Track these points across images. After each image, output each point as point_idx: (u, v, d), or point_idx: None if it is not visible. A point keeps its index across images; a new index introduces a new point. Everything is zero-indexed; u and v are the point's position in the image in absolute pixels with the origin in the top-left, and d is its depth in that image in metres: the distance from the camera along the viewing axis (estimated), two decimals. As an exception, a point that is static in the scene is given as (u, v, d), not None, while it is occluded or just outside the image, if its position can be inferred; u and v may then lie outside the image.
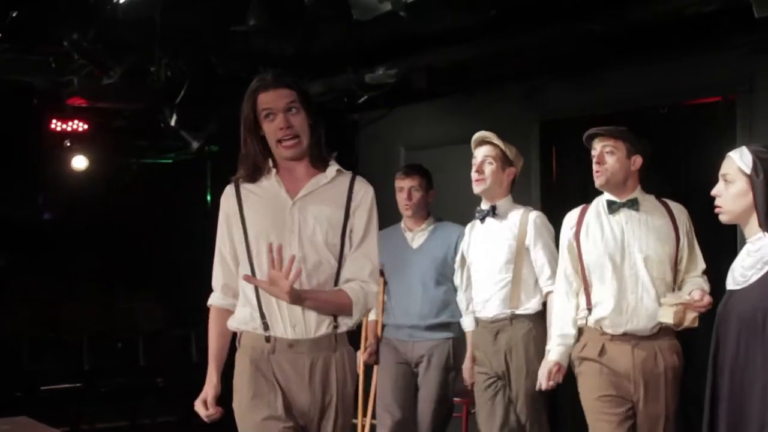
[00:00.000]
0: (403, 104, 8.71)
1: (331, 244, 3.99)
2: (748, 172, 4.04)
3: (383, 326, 6.50)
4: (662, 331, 5.02)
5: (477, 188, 5.67)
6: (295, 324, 3.94)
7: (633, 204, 5.08)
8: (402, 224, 6.47)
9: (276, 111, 3.94)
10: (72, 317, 10.53)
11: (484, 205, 5.73)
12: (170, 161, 11.22)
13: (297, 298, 3.82)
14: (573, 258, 5.18)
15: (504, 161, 5.65)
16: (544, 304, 5.56)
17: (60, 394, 10.01)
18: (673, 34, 6.12)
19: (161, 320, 10.89)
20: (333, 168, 4.12)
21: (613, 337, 5.04)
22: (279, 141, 3.96)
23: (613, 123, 5.15)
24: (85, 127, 9.39)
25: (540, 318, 5.58)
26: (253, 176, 4.09)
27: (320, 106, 8.50)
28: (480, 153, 5.66)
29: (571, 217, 5.27)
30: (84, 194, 10.11)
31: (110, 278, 10.78)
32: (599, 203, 5.17)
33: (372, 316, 6.50)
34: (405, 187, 6.31)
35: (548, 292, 5.49)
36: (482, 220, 5.73)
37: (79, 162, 9.78)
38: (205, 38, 6.99)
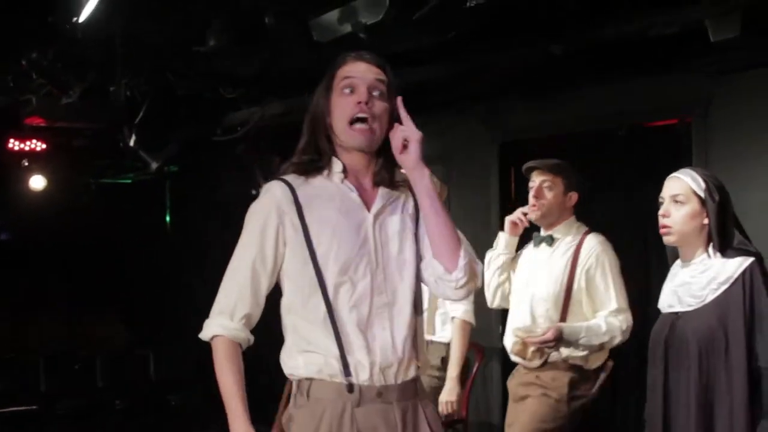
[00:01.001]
0: (363, 125, 8.72)
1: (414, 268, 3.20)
2: (702, 194, 4.07)
3: None
4: (550, 363, 5.12)
5: None
6: (386, 366, 3.11)
7: (550, 240, 5.20)
8: None
9: (359, 83, 3.14)
10: (30, 337, 10.46)
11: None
12: (129, 181, 11.19)
13: None
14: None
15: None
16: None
17: (16, 416, 9.92)
18: (630, 57, 6.18)
19: (120, 340, 10.84)
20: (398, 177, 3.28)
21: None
22: (350, 122, 3.12)
23: (571, 144, 5.21)
24: (44, 146, 9.36)
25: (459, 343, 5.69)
26: (308, 172, 3.26)
27: (280, 127, 8.54)
28: None
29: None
30: (42, 214, 10.06)
31: (69, 298, 10.73)
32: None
33: None
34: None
35: (452, 317, 5.65)
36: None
37: (37, 182, 9.75)
38: (165, 58, 6.97)
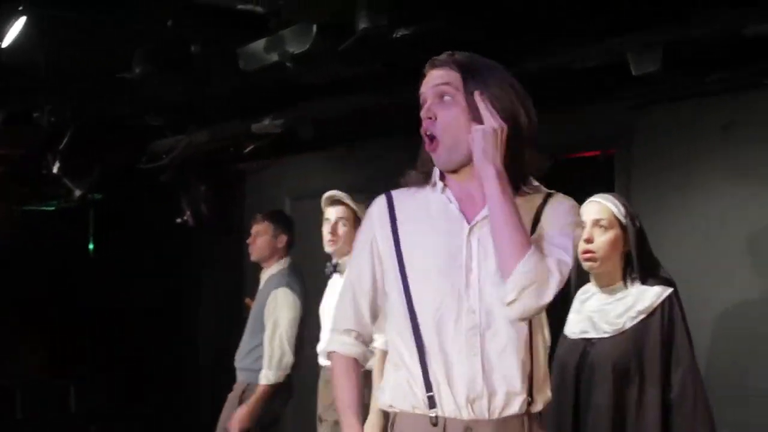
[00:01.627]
0: (289, 154, 8.73)
1: None
2: (623, 219, 4.10)
3: None
4: None
5: (330, 248, 5.70)
6: (474, 397, 2.77)
7: None
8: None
9: (427, 96, 2.86)
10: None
11: (333, 260, 5.78)
12: (53, 209, 11.05)
13: None
14: None
15: (356, 221, 5.69)
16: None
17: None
18: (554, 89, 6.23)
19: (40, 370, 10.67)
20: (530, 184, 2.94)
21: None
22: (424, 134, 2.88)
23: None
24: (-36, 173, 9.23)
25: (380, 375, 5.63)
26: (418, 183, 3.01)
27: (206, 156, 8.52)
28: (333, 213, 5.70)
29: None
30: (-39, 241, 9.92)
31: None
32: None
33: None
34: (252, 233, 6.55)
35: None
36: (330, 276, 5.79)
37: (-43, 208, 9.61)
38: (90, 84, 6.92)
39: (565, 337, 4.22)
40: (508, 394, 2.76)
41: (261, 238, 6.46)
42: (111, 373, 10.31)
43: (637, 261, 4.06)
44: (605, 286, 4.14)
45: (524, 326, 2.79)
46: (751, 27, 4.83)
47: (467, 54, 2.92)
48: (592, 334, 4.07)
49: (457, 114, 2.80)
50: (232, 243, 9.42)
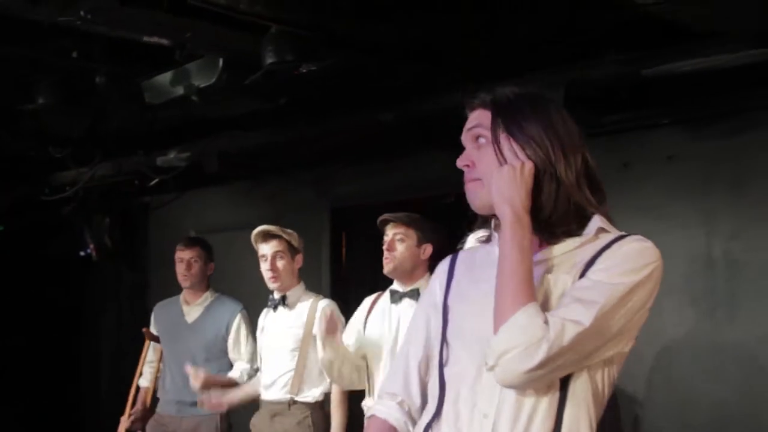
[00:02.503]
0: (194, 188, 8.69)
1: None
2: None
3: (156, 399, 6.45)
4: None
5: (273, 284, 5.66)
6: None
7: (415, 294, 5.11)
8: (181, 296, 6.47)
9: (466, 141, 2.55)
10: None
11: (277, 295, 5.73)
12: (-48, 240, 10.86)
13: None
14: (358, 342, 5.21)
15: (292, 251, 5.67)
16: (328, 395, 5.58)
17: None
18: (460, 126, 6.30)
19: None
20: (592, 227, 2.41)
21: None
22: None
23: (402, 210, 5.23)
24: None
25: (320, 408, 5.60)
26: (487, 238, 2.62)
27: (110, 188, 8.45)
28: (268, 248, 5.62)
29: (366, 303, 5.32)
30: None
31: None
32: (389, 291, 5.23)
33: (144, 383, 6.60)
34: (185, 258, 6.32)
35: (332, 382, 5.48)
36: (274, 308, 5.74)
37: None
38: (-9, 115, 6.84)
39: None
40: None
41: (197, 263, 6.33)
42: (12, 408, 10.14)
43: None
44: None
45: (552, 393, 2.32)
46: (650, 68, 4.95)
47: (507, 88, 2.52)
48: None
49: (493, 155, 2.44)
50: (136, 276, 9.34)
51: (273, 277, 5.60)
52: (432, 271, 4.66)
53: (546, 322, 2.19)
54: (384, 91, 6.02)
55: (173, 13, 4.61)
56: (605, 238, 2.38)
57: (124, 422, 6.41)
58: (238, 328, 6.18)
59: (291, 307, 5.67)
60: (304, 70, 5.05)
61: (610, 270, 2.31)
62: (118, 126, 6.96)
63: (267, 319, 5.79)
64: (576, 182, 2.42)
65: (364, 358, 5.19)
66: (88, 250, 9.37)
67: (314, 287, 6.02)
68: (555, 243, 2.40)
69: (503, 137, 2.43)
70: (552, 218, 2.39)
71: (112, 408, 6.51)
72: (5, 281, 11.03)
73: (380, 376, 5.08)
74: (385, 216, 5.20)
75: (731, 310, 5.51)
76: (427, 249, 5.12)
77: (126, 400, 6.54)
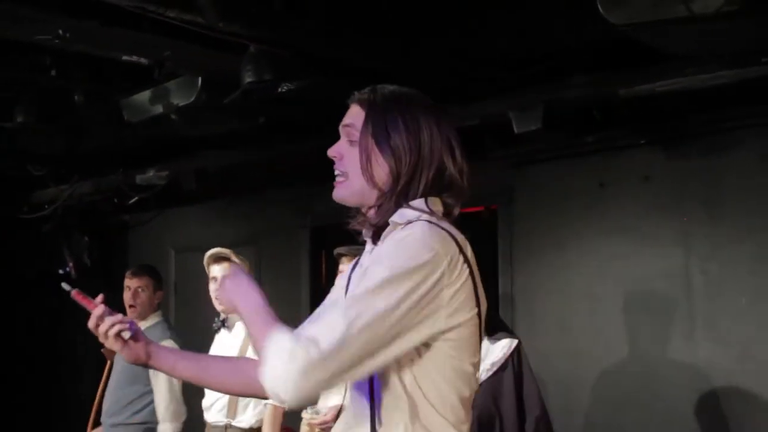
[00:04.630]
0: (173, 206, 8.69)
1: None
2: None
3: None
4: None
5: (220, 306, 5.65)
6: None
7: None
8: None
9: (341, 134, 2.67)
10: None
11: (221, 317, 5.75)
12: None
13: None
14: None
15: None
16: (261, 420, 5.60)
17: None
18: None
19: None
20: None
21: None
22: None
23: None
24: None
25: None
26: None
27: (89, 206, 8.43)
28: (218, 271, 5.64)
29: None
30: None
31: None
32: None
33: None
34: (132, 287, 6.26)
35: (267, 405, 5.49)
36: (218, 330, 5.77)
37: None
38: (-31, 134, 6.82)
39: None
40: None
41: (144, 293, 6.29)
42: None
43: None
44: None
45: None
46: (625, 89, 4.98)
47: (387, 89, 2.66)
48: None
49: (355, 155, 2.59)
50: (115, 294, 9.32)
51: (218, 299, 5.60)
52: None
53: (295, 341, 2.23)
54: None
55: (152, 33, 4.62)
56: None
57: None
58: None
59: (230, 329, 5.71)
60: (283, 90, 5.07)
61: (375, 264, 2.39)
62: (97, 144, 6.96)
63: (215, 341, 5.83)
64: (420, 191, 2.56)
65: None
66: (67, 269, 9.34)
67: (293, 306, 6.04)
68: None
69: (369, 143, 2.55)
70: (381, 224, 2.56)
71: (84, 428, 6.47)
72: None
73: None
74: (341, 249, 5.23)
75: (709, 329, 5.53)
76: None
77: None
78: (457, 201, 2.65)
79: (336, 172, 2.66)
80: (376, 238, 2.61)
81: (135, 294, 6.23)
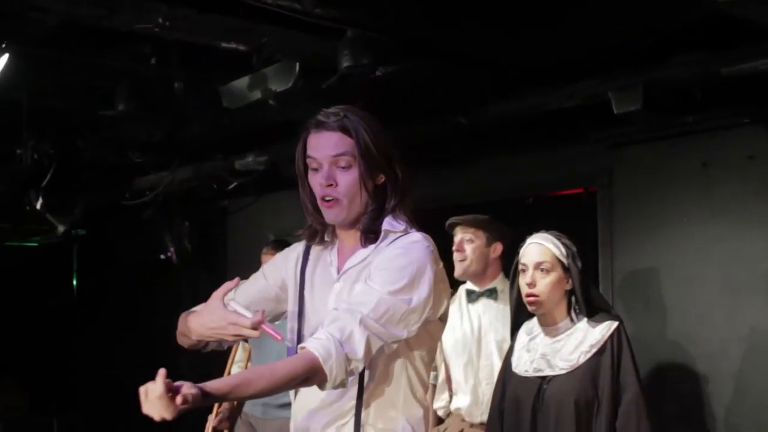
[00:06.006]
0: (271, 191, 8.73)
1: None
2: (565, 260, 4.13)
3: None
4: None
5: None
6: None
7: (491, 293, 5.12)
8: None
9: (322, 162, 2.96)
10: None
11: None
12: (35, 245, 11.03)
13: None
14: None
15: None
16: None
17: None
18: (536, 129, 6.27)
19: (23, 406, 10.61)
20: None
21: (473, 425, 5.08)
22: (322, 198, 3.00)
23: (479, 212, 5.23)
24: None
25: None
26: (312, 239, 3.19)
27: (189, 192, 8.52)
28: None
29: None
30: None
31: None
32: (461, 291, 5.22)
33: None
34: None
35: None
36: None
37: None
38: (72, 122, 6.93)
39: (515, 374, 4.24)
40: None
41: None
42: (94, 408, 10.28)
43: (582, 300, 4.10)
44: (551, 324, 4.19)
45: None
46: (729, 68, 4.89)
47: (351, 111, 2.99)
48: (547, 372, 4.10)
49: (355, 178, 2.93)
50: (215, 279, 9.41)
51: None
52: (504, 270, 4.68)
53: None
54: (460, 94, 6.01)
55: (249, 19, 4.64)
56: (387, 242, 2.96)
57: (211, 421, 6.44)
58: None
59: None
60: (380, 74, 5.07)
61: (379, 274, 2.84)
62: (197, 131, 7.02)
63: None
64: (407, 187, 3.04)
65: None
66: (169, 254, 9.46)
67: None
68: (365, 246, 2.99)
69: (367, 167, 2.92)
70: (372, 227, 2.97)
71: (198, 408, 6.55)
72: (86, 285, 11.22)
73: (461, 375, 5.08)
74: (453, 219, 5.21)
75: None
76: (497, 248, 5.13)
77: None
78: (413, 201, 3.08)
79: (327, 198, 2.95)
80: (369, 240, 2.98)
81: None
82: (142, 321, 10.14)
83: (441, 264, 2.97)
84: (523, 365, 4.22)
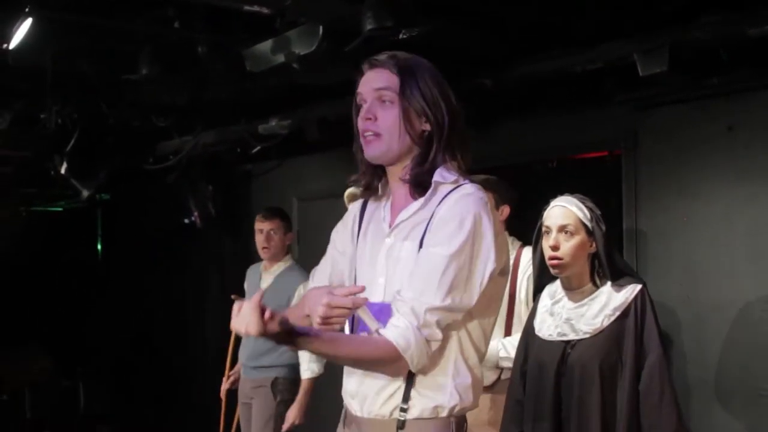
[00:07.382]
0: (295, 155, 8.74)
1: None
2: (589, 223, 4.12)
3: None
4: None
5: None
6: (353, 394, 3.01)
7: None
8: (262, 262, 6.69)
9: (366, 97, 2.98)
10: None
11: None
12: (60, 209, 11.10)
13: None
14: None
15: None
16: None
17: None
18: (560, 91, 6.25)
19: (49, 371, 10.70)
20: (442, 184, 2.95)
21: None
22: (363, 135, 2.99)
23: (503, 176, 5.22)
24: (-30, 174, 9.27)
25: None
26: (366, 189, 3.20)
27: (213, 157, 8.53)
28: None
29: None
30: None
31: (-5, 327, 10.59)
32: None
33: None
34: (264, 230, 6.50)
35: None
36: None
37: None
38: (96, 86, 6.94)
39: (538, 338, 4.24)
40: (380, 394, 2.91)
41: (276, 235, 6.46)
42: (120, 373, 10.35)
43: (606, 263, 4.09)
44: (575, 288, 4.18)
45: None
46: (756, 29, 4.85)
47: (407, 55, 3.02)
48: (571, 336, 4.09)
49: (396, 115, 2.91)
50: (239, 243, 9.44)
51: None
52: (510, 230, 4.66)
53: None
54: (484, 57, 5.99)
55: (273, -18, 4.64)
56: (449, 186, 2.91)
57: (225, 383, 6.59)
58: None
59: None
60: (404, 37, 5.05)
61: (441, 232, 2.81)
62: (220, 95, 7.02)
63: None
64: (457, 142, 2.98)
65: None
66: (193, 218, 9.50)
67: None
68: (416, 198, 2.94)
69: (410, 104, 2.89)
70: (425, 175, 2.92)
71: (219, 369, 6.62)
72: (111, 249, 11.27)
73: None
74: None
75: None
76: (505, 210, 5.11)
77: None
78: (469, 158, 3.03)
79: (367, 133, 2.95)
80: (418, 193, 2.94)
81: (268, 237, 6.45)
82: (167, 285, 10.19)
83: (498, 214, 2.99)
84: (547, 329, 4.22)
